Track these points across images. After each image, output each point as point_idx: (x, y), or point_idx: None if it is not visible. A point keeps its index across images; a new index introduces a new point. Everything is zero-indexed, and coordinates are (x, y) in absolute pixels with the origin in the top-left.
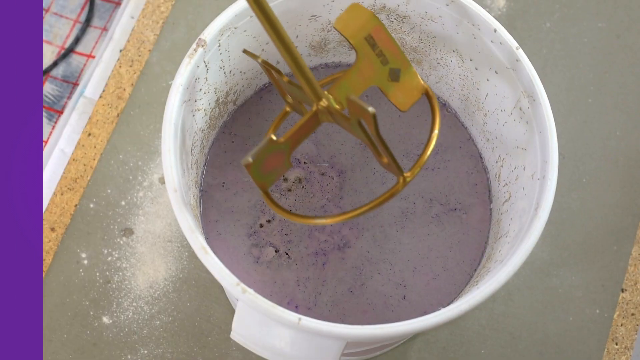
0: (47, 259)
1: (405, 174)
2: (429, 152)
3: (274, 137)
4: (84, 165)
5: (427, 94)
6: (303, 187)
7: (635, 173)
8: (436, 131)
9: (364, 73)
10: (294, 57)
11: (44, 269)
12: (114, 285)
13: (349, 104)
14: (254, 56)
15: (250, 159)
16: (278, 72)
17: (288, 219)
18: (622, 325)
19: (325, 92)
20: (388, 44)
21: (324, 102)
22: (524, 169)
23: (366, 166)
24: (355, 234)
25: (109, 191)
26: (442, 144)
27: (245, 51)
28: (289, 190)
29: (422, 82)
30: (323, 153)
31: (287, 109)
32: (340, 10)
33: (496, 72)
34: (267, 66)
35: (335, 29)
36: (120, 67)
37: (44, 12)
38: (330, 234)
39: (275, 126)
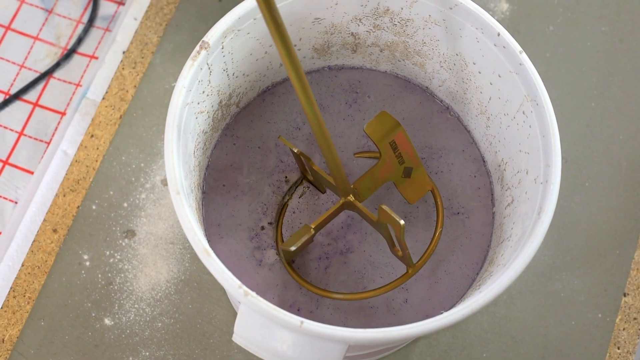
0: (49, 260)
1: (416, 264)
2: (432, 247)
3: (313, 231)
4: (87, 166)
5: (432, 191)
6: (308, 187)
7: (638, 177)
8: (440, 229)
9: (384, 171)
10: (337, 164)
11: (46, 270)
12: (115, 287)
13: (380, 212)
14: (289, 145)
15: (293, 249)
16: (309, 160)
17: (307, 289)
18: (624, 329)
19: (352, 186)
20: (407, 147)
21: (351, 198)
22: (526, 173)
23: (369, 169)
24: (358, 238)
25: (111, 193)
26: (445, 147)
27: (281, 138)
28: (293, 192)
29: (429, 180)
30: None
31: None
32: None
33: (499, 76)
34: (301, 156)
35: (365, 132)
36: (123, 68)
37: (47, 13)
38: (336, 238)
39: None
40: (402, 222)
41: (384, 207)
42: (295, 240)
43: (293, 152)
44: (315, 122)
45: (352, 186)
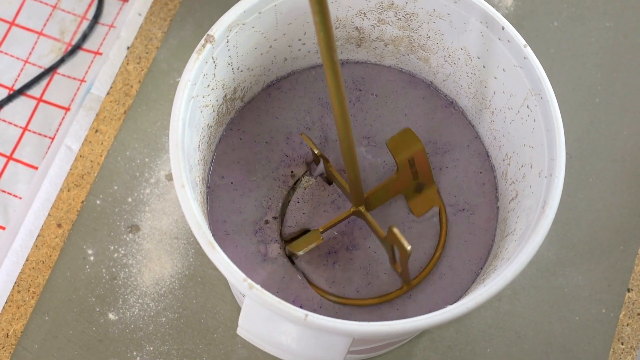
0: (54, 255)
1: (412, 282)
2: (430, 267)
3: (322, 238)
4: (91, 161)
5: (439, 210)
6: (315, 181)
7: None
8: (440, 252)
9: (398, 184)
10: (357, 176)
11: (50, 265)
12: (120, 282)
13: (389, 233)
14: (312, 145)
15: (301, 253)
16: (327, 161)
17: (325, 297)
18: (628, 325)
19: (364, 196)
20: (424, 165)
21: (362, 208)
22: (531, 167)
23: (374, 163)
24: (363, 235)
25: (115, 188)
26: (450, 142)
27: (303, 136)
28: (299, 185)
29: (438, 198)
30: (334, 150)
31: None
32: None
33: (504, 70)
34: (321, 157)
35: (387, 147)
36: (127, 64)
37: (51, 9)
38: (342, 232)
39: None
40: (409, 247)
41: (395, 229)
42: (303, 246)
43: (313, 153)
44: (345, 138)
45: (364, 196)
